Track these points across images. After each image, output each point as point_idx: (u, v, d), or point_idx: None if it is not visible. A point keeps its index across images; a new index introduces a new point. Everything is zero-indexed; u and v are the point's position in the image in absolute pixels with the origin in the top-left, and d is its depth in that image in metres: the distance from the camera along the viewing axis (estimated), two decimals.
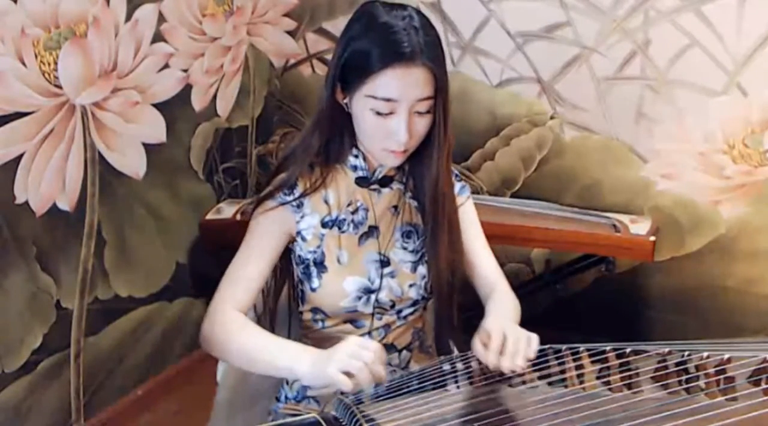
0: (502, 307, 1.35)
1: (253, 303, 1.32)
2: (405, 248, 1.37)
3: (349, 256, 1.33)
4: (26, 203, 1.88)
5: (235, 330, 1.24)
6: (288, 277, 1.42)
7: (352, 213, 1.34)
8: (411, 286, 1.36)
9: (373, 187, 1.35)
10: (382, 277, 1.33)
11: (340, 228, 1.33)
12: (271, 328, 1.42)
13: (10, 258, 1.86)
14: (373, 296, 1.33)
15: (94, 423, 2.17)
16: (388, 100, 1.20)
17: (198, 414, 1.53)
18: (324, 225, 1.32)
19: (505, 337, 1.17)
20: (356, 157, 1.33)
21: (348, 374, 1.09)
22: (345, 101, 1.27)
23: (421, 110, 1.22)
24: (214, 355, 1.29)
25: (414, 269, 1.36)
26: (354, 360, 1.09)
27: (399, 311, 1.37)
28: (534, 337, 1.20)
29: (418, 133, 1.24)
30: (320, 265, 1.32)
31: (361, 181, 1.34)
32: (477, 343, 1.20)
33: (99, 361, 2.17)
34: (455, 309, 1.41)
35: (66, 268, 2.02)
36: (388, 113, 1.21)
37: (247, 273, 1.29)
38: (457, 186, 1.42)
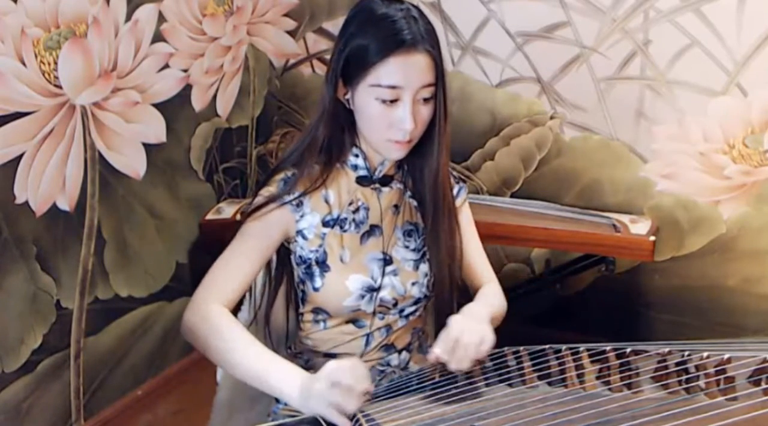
0: (485, 298, 1.38)
1: (238, 300, 1.30)
2: (407, 247, 1.37)
3: (352, 254, 1.33)
4: (26, 203, 1.88)
5: (218, 328, 1.22)
6: (287, 280, 1.41)
7: (354, 212, 1.34)
8: (413, 284, 1.36)
9: (374, 186, 1.35)
10: (384, 275, 1.34)
11: (341, 227, 1.33)
12: (267, 332, 1.42)
13: (10, 258, 1.86)
14: (375, 295, 1.33)
15: (94, 423, 2.17)
16: (392, 87, 1.21)
17: (198, 414, 1.53)
18: (325, 224, 1.32)
19: (457, 340, 1.18)
20: (357, 156, 1.33)
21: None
22: (347, 97, 1.28)
23: (425, 97, 1.24)
24: (193, 345, 1.26)
25: (416, 267, 1.37)
26: (330, 409, 1.08)
27: (401, 310, 1.37)
28: (487, 341, 1.20)
29: (422, 120, 1.26)
30: (323, 264, 1.32)
31: (362, 180, 1.34)
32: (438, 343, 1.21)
33: (99, 361, 2.17)
34: (455, 305, 1.41)
35: (66, 268, 2.02)
36: (392, 101, 1.22)
37: (235, 268, 1.28)
38: (456, 188, 1.43)
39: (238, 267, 1.28)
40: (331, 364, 1.12)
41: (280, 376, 1.17)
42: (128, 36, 2.07)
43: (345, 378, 1.09)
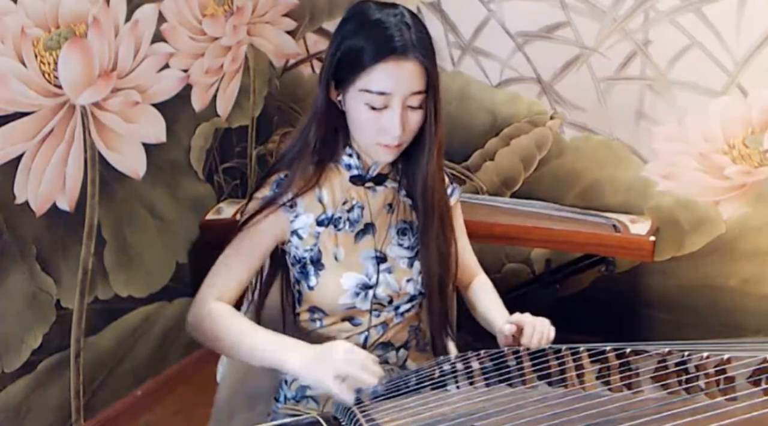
0: (499, 302, 1.47)
1: (238, 297, 1.32)
2: (401, 245, 1.38)
3: (346, 253, 1.33)
4: (26, 203, 1.88)
5: (223, 317, 1.25)
6: (283, 281, 1.42)
7: (348, 211, 1.35)
8: (408, 281, 1.37)
9: (367, 185, 1.36)
10: (378, 272, 1.34)
11: (336, 226, 1.34)
12: None
13: (10, 258, 1.86)
14: (370, 292, 1.34)
15: (94, 423, 2.17)
16: (381, 93, 1.22)
17: (198, 414, 1.53)
18: (319, 223, 1.33)
19: (534, 324, 1.29)
20: (350, 155, 1.34)
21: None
22: (338, 99, 1.29)
23: (414, 105, 1.24)
24: (199, 342, 1.29)
25: (410, 265, 1.37)
26: (347, 365, 1.12)
27: (396, 307, 1.38)
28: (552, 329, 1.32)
29: (410, 127, 1.26)
30: (317, 263, 1.33)
31: (356, 179, 1.35)
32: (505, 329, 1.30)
33: (99, 361, 2.17)
34: (450, 305, 1.42)
35: (66, 268, 2.02)
36: (381, 107, 1.23)
37: (233, 269, 1.30)
38: (449, 188, 1.43)
39: (236, 269, 1.31)
40: (345, 343, 1.16)
41: (288, 346, 1.20)
42: (128, 36, 2.07)
43: (362, 357, 1.12)
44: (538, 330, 1.28)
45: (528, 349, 1.27)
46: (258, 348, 1.21)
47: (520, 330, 1.29)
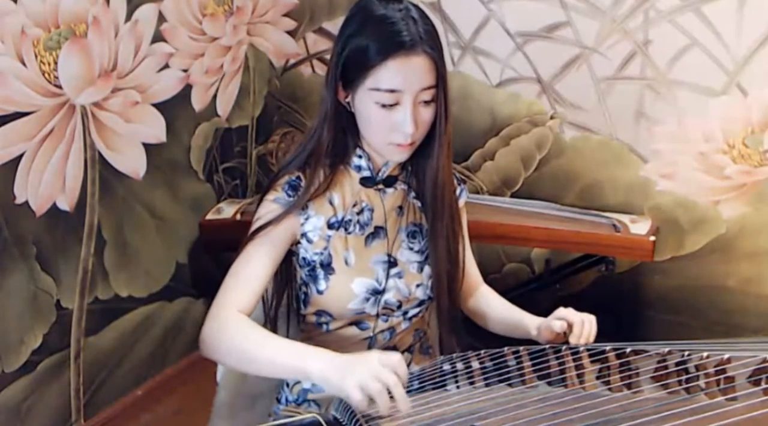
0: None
1: (256, 306, 1.29)
2: (411, 248, 1.36)
3: (357, 257, 1.32)
4: (26, 203, 1.88)
5: (239, 331, 1.20)
6: (290, 282, 1.41)
7: (358, 214, 1.33)
8: (418, 286, 1.36)
9: (377, 187, 1.35)
10: (388, 277, 1.33)
11: (346, 229, 1.32)
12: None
13: (10, 258, 1.86)
14: (380, 297, 1.33)
15: (94, 423, 2.17)
16: (392, 91, 1.20)
17: (198, 414, 1.53)
18: (330, 226, 1.32)
19: (583, 320, 1.30)
20: (360, 157, 1.33)
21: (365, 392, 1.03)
22: (347, 100, 1.27)
23: (425, 99, 1.23)
24: (213, 359, 1.24)
25: (420, 269, 1.36)
26: (375, 382, 1.02)
27: (405, 312, 1.37)
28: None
29: (423, 123, 1.24)
30: (327, 267, 1.31)
31: (366, 182, 1.34)
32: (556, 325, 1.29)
33: (99, 361, 2.17)
34: (457, 306, 1.41)
35: (66, 268, 2.02)
36: (392, 105, 1.21)
37: (250, 275, 1.26)
38: (458, 189, 1.43)
39: (249, 276, 1.26)
40: (381, 355, 1.07)
41: (309, 354, 1.13)
42: (128, 36, 2.07)
43: (398, 364, 1.06)
44: (587, 329, 1.28)
45: (528, 349, 1.26)
46: (278, 359, 1.14)
47: (569, 326, 1.28)
